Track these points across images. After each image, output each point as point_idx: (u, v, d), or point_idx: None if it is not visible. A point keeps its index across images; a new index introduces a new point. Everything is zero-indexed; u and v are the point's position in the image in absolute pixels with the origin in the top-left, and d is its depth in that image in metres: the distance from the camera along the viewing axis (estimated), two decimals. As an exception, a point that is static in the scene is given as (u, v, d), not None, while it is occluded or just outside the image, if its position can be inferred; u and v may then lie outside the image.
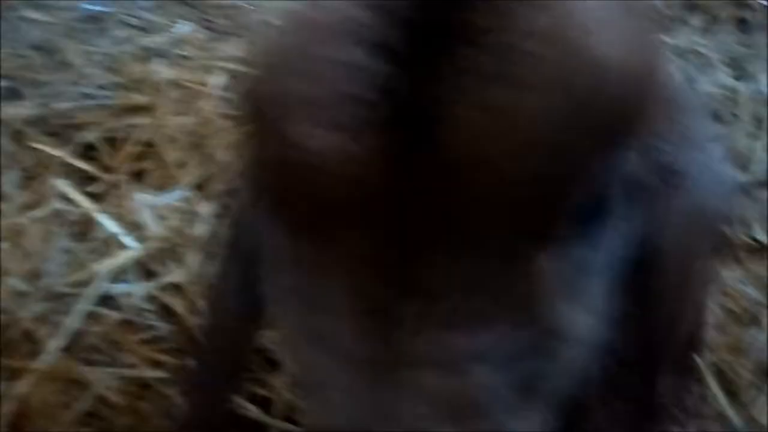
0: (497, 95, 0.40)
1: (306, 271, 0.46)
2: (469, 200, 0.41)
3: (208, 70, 1.56)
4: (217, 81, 1.51)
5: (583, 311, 0.46)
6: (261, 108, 0.45)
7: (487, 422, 0.43)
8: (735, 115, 1.57)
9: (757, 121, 1.56)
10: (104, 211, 1.22)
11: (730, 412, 1.06)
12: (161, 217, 1.21)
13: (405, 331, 0.42)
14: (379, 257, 0.43)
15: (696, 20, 1.82)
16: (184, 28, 1.73)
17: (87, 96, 1.44)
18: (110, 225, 1.17)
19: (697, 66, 1.68)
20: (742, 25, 1.77)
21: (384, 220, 0.42)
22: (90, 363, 1.04)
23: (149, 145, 1.36)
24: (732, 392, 1.11)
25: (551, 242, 0.43)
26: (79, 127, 1.38)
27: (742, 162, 1.48)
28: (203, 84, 1.51)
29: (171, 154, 1.33)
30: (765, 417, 1.06)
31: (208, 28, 1.78)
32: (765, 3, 1.76)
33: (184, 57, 1.63)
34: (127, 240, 1.17)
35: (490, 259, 0.42)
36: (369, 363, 0.43)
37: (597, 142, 0.41)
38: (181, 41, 1.69)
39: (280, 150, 0.43)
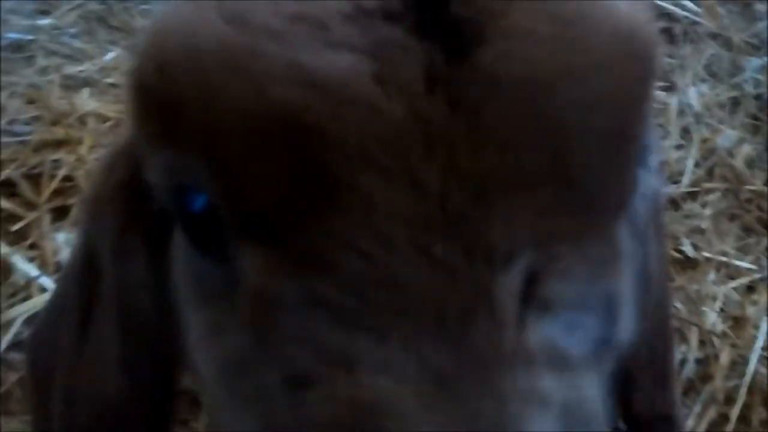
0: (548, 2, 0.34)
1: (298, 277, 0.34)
2: (528, 129, 0.34)
3: (135, 99, 1.54)
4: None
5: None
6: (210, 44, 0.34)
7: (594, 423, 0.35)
8: (664, 128, 1.59)
9: (686, 133, 1.59)
10: (24, 251, 1.20)
11: None
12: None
13: (495, 322, 0.32)
14: (425, 214, 0.33)
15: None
16: (112, 55, 1.70)
17: (7, 132, 1.40)
18: (28, 268, 1.14)
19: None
20: (670, 37, 1.80)
21: (424, 163, 0.33)
22: (5, 413, 1.01)
23: (73, 180, 1.33)
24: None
25: (622, 202, 0.38)
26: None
27: (672, 174, 1.50)
28: (130, 114, 1.48)
29: (94, 189, 1.30)
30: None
31: (138, 54, 1.75)
32: (690, 15, 1.79)
33: (112, 85, 1.60)
34: (47, 281, 1.14)
35: (560, 213, 0.35)
36: (450, 369, 0.32)
37: (642, 77, 0.37)
38: (109, 69, 1.66)
39: (263, 93, 0.33)
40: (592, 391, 0.36)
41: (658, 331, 0.61)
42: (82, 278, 0.52)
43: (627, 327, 0.40)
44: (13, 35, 1.72)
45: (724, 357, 1.15)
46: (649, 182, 0.51)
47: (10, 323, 1.08)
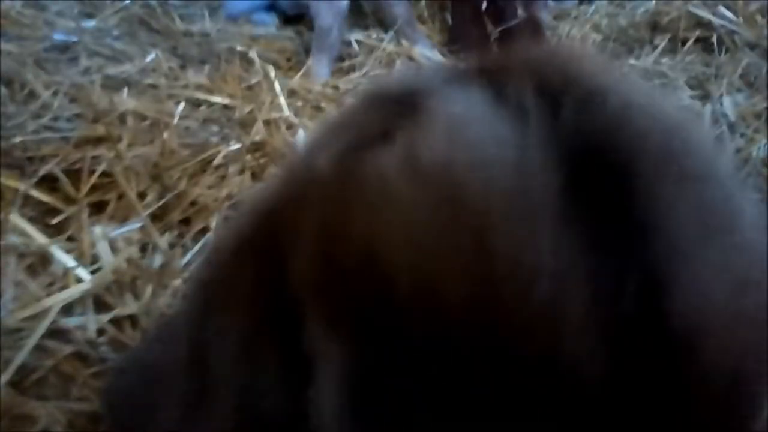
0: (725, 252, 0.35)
1: None
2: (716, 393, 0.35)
3: (174, 99, 1.58)
4: (181, 111, 1.53)
5: None
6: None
7: None
8: (697, 137, 1.58)
9: (720, 142, 1.57)
10: (62, 244, 1.23)
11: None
12: (118, 249, 1.22)
13: None
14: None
15: (661, 41, 1.84)
16: (153, 57, 1.75)
17: (50, 128, 1.45)
18: (65, 258, 1.18)
19: (662, 87, 1.69)
20: (707, 46, 1.79)
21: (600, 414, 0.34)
22: (40, 397, 1.05)
23: (111, 176, 1.37)
24: None
25: None
26: (41, 159, 1.39)
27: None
28: (168, 114, 1.52)
29: (132, 186, 1.34)
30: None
31: (178, 56, 1.80)
32: (727, 24, 1.77)
33: (152, 86, 1.65)
34: (82, 273, 1.18)
35: None
36: None
37: None
38: (149, 70, 1.71)
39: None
40: None
41: None
42: (190, 363, 0.49)
43: None
44: (59, 37, 1.78)
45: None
46: None
47: (47, 311, 1.11)
